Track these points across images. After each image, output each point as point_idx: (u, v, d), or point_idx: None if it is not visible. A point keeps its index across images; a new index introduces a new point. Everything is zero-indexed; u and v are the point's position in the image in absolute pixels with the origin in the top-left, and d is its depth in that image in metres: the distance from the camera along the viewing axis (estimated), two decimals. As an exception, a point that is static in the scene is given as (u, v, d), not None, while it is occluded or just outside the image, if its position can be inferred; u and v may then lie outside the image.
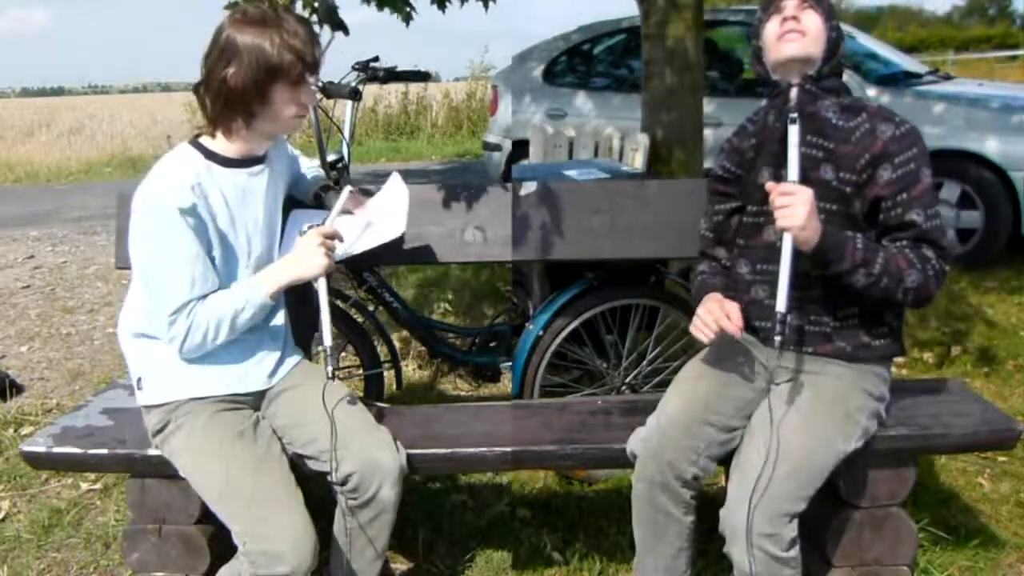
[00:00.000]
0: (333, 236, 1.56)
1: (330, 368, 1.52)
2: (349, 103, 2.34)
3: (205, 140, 1.54)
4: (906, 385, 1.85)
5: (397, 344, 2.79)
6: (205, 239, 1.48)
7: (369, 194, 1.87)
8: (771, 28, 1.52)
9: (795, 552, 1.44)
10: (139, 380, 1.56)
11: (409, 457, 1.62)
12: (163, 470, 1.58)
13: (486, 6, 3.17)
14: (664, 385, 1.75)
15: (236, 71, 1.43)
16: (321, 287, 1.55)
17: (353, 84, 2.25)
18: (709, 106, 3.66)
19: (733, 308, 1.49)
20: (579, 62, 5.54)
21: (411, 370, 3.19)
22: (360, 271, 2.31)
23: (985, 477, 2.30)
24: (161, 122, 16.78)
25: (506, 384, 2.81)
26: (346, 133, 2.31)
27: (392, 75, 2.43)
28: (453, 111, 13.45)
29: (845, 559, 1.67)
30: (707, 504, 1.64)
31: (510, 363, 2.39)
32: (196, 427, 1.51)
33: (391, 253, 1.79)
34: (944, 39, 30.85)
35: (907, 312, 2.34)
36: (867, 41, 5.42)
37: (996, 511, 2.14)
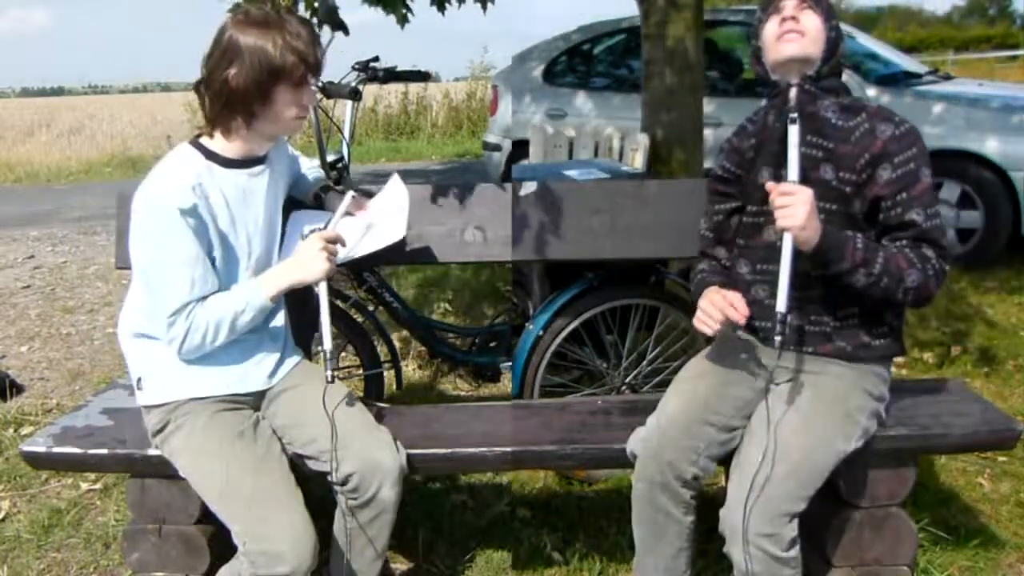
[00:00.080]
0: (335, 240, 1.56)
1: (329, 372, 1.52)
2: (349, 103, 2.34)
3: (206, 140, 1.54)
4: (906, 385, 1.85)
5: (397, 344, 2.79)
6: (206, 240, 1.48)
7: (370, 195, 1.87)
8: (770, 28, 1.52)
9: (795, 552, 1.44)
10: (139, 380, 1.56)
11: (409, 457, 1.62)
12: (163, 470, 1.59)
13: (484, 7, 3.17)
14: (664, 385, 1.75)
15: (238, 72, 1.43)
16: (322, 291, 1.55)
17: (353, 84, 2.25)
18: (709, 106, 3.66)
19: (736, 297, 1.48)
20: (579, 62, 5.54)
21: (411, 370, 3.19)
22: (360, 271, 2.31)
23: (985, 477, 2.30)
24: (161, 122, 16.78)
25: (506, 384, 2.81)
26: (346, 133, 2.31)
27: (392, 75, 2.43)
28: (453, 111, 13.45)
29: (845, 559, 1.67)
30: (707, 504, 1.64)
31: (510, 363, 2.39)
32: (196, 427, 1.51)
33: (391, 253, 1.79)
34: (944, 39, 30.85)
35: (907, 312, 2.34)
36: (867, 41, 5.42)
37: (996, 511, 2.14)
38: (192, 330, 1.46)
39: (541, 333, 2.17)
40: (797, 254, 1.40)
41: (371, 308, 2.46)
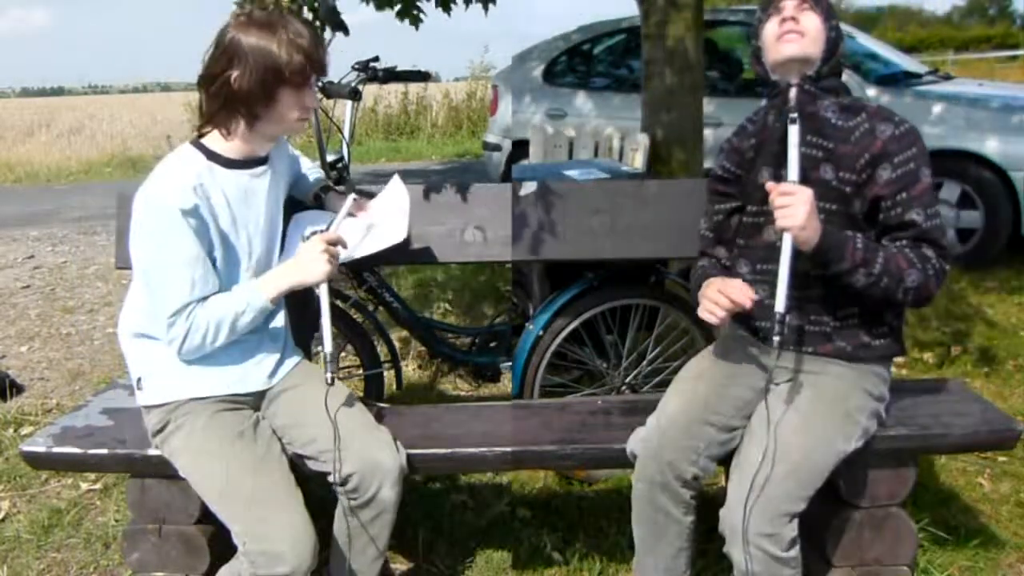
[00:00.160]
0: (337, 243, 1.56)
1: (330, 375, 1.52)
2: (349, 103, 2.34)
3: (207, 140, 1.53)
4: (906, 385, 1.85)
5: (397, 344, 2.79)
6: (206, 240, 1.48)
7: (370, 196, 1.87)
8: (770, 28, 1.52)
9: (795, 552, 1.44)
10: (139, 380, 1.56)
11: (409, 457, 1.62)
12: (163, 470, 1.58)
13: (486, 8, 3.18)
14: (664, 385, 1.75)
15: (241, 74, 1.42)
16: (323, 293, 1.55)
17: (353, 84, 2.25)
18: (709, 106, 3.66)
19: (741, 283, 1.47)
20: (579, 62, 5.55)
21: (411, 370, 3.19)
22: (360, 271, 2.31)
23: (985, 477, 2.30)
24: (161, 122, 16.78)
25: (506, 384, 2.81)
26: (346, 133, 2.31)
27: (392, 75, 2.43)
28: (453, 111, 13.45)
29: (845, 559, 1.67)
30: (707, 504, 1.64)
31: (510, 363, 2.39)
32: (196, 427, 1.51)
33: (391, 253, 1.79)
34: (944, 39, 30.85)
35: (907, 312, 2.34)
36: (867, 41, 5.42)
37: (996, 511, 2.14)
38: (192, 331, 1.46)
39: (541, 333, 2.17)
40: (797, 254, 1.40)
41: (371, 308, 2.46)
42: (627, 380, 2.32)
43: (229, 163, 1.53)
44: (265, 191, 1.60)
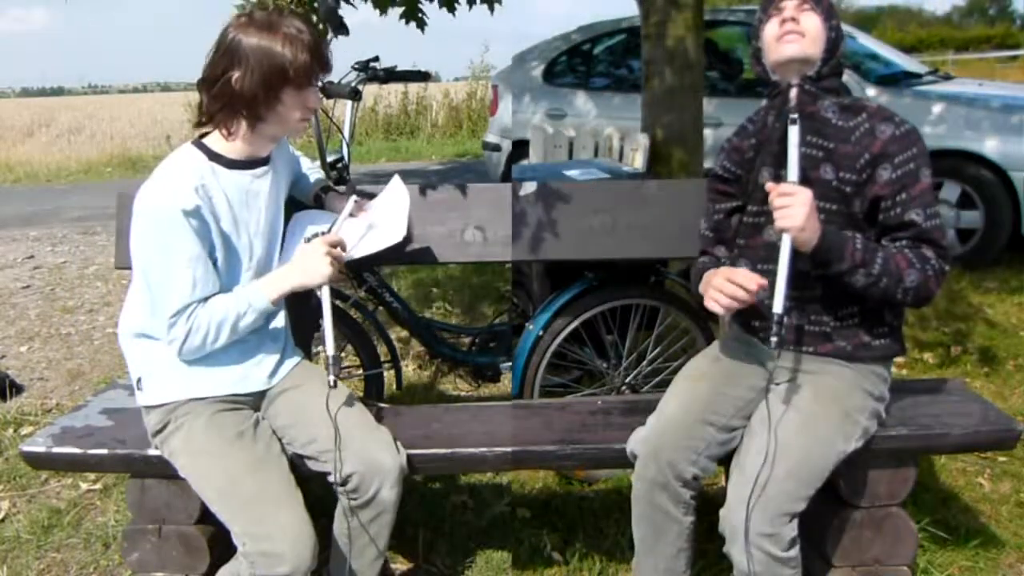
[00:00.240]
0: (339, 245, 1.56)
1: (332, 377, 1.52)
2: (349, 103, 2.34)
3: (208, 141, 1.53)
4: (906, 385, 1.85)
5: (397, 344, 2.79)
6: (208, 241, 1.48)
7: (371, 197, 1.87)
8: (770, 29, 1.52)
9: (795, 552, 1.43)
10: (139, 380, 1.56)
11: (409, 457, 1.62)
12: (163, 470, 1.58)
13: (491, 8, 3.18)
14: (664, 385, 1.75)
15: (243, 75, 1.42)
16: (325, 295, 1.55)
17: (353, 84, 2.25)
18: (709, 106, 3.67)
19: (746, 270, 1.46)
20: (579, 62, 5.55)
21: (411, 370, 3.19)
22: (360, 271, 2.31)
23: (985, 477, 2.30)
24: (161, 122, 16.79)
25: (506, 384, 2.81)
26: (346, 133, 2.31)
27: (392, 75, 2.42)
28: (453, 111, 13.46)
29: (845, 559, 1.67)
30: (707, 504, 1.64)
31: (510, 363, 2.39)
32: (196, 427, 1.51)
33: (392, 253, 1.79)
34: (944, 39, 30.86)
35: (907, 312, 2.34)
36: (867, 41, 5.42)
37: (996, 511, 2.14)
38: (193, 331, 1.46)
39: (541, 333, 2.17)
40: (796, 255, 1.40)
41: (371, 308, 2.46)
42: (627, 380, 2.31)
43: (231, 164, 1.53)
44: (266, 192, 1.60)
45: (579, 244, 1.98)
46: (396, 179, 1.87)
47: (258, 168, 1.58)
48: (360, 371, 2.35)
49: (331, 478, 1.54)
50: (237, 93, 1.44)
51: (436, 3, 3.12)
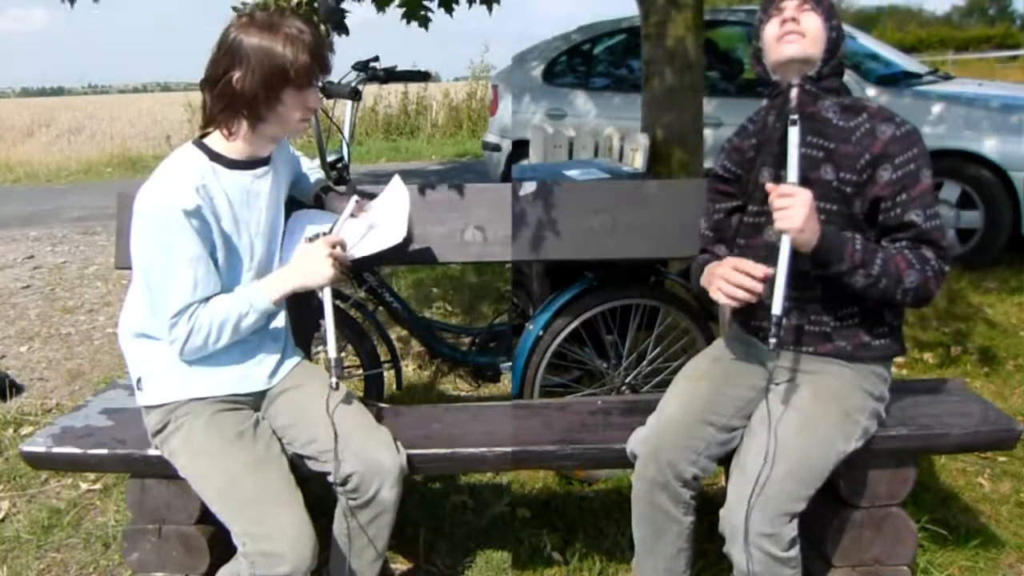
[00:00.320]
0: (339, 245, 1.56)
1: (334, 379, 1.52)
2: (349, 103, 2.34)
3: (209, 141, 1.53)
4: (906, 385, 1.85)
5: (397, 344, 2.79)
6: (209, 241, 1.48)
7: (371, 197, 1.87)
8: (771, 29, 1.52)
9: (795, 552, 1.44)
10: (139, 380, 1.56)
11: (409, 457, 1.62)
12: (163, 470, 1.58)
13: (490, 8, 3.18)
14: (664, 385, 1.75)
15: (243, 75, 1.42)
16: (326, 297, 1.54)
17: (353, 84, 2.25)
18: (709, 106, 3.67)
19: (751, 263, 1.45)
20: (579, 62, 5.55)
21: (411, 370, 3.19)
22: (360, 271, 2.31)
23: (985, 477, 2.30)
24: (161, 122, 16.79)
25: (506, 384, 2.81)
26: (346, 133, 2.31)
27: (392, 75, 2.43)
28: (453, 111, 13.46)
29: (845, 559, 1.67)
30: (707, 504, 1.64)
31: (510, 363, 2.39)
32: (196, 427, 1.51)
33: (392, 253, 1.79)
34: (944, 39, 30.86)
35: (907, 312, 2.34)
36: (867, 41, 5.42)
37: (996, 511, 2.14)
38: (195, 331, 1.46)
39: (541, 333, 2.17)
40: (795, 255, 1.40)
41: (371, 308, 2.46)
42: (627, 380, 2.31)
43: (232, 164, 1.53)
44: (267, 192, 1.60)
45: (579, 244, 1.98)
46: (396, 179, 1.87)
47: (259, 168, 1.58)
48: (360, 371, 2.35)
49: (331, 478, 1.54)
50: (238, 93, 1.44)
51: (435, 3, 3.12)
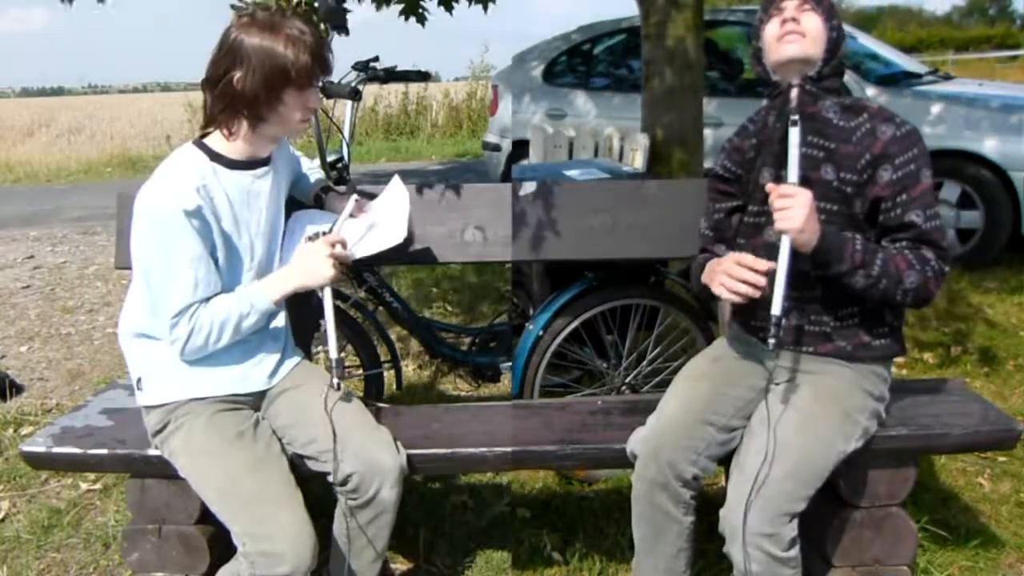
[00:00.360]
0: (341, 245, 1.56)
1: (336, 380, 1.52)
2: (349, 103, 2.34)
3: (210, 141, 1.53)
4: (906, 385, 1.85)
5: (397, 344, 2.79)
6: (209, 241, 1.48)
7: (371, 197, 1.87)
8: (771, 29, 1.52)
9: (795, 552, 1.44)
10: (139, 380, 1.56)
11: (409, 457, 1.62)
12: (163, 470, 1.58)
13: (485, 7, 3.18)
14: (664, 385, 1.75)
15: (244, 75, 1.42)
16: (327, 297, 1.54)
17: (353, 84, 2.25)
18: (709, 106, 3.67)
19: (753, 258, 1.44)
20: (579, 62, 5.55)
21: (411, 370, 3.19)
22: (360, 271, 2.31)
23: (985, 477, 2.30)
24: (161, 122, 16.79)
25: (506, 384, 2.81)
26: (346, 133, 2.31)
27: (392, 75, 2.42)
28: (453, 111, 13.46)
29: (845, 559, 1.67)
30: (707, 504, 1.64)
31: (510, 363, 2.39)
32: (196, 427, 1.51)
33: (392, 253, 1.79)
34: (944, 39, 30.86)
35: (907, 312, 2.34)
36: (867, 41, 5.42)
37: (996, 511, 2.14)
38: (195, 331, 1.46)
39: (541, 333, 2.17)
40: (795, 255, 1.40)
41: (371, 308, 2.46)
42: (627, 380, 2.31)
43: (232, 164, 1.53)
44: (267, 192, 1.60)
45: (579, 244, 1.98)
46: (396, 179, 1.87)
47: (259, 168, 1.58)
48: (360, 371, 2.35)
49: (331, 478, 1.54)
50: (239, 93, 1.44)
51: (435, 2, 3.12)
